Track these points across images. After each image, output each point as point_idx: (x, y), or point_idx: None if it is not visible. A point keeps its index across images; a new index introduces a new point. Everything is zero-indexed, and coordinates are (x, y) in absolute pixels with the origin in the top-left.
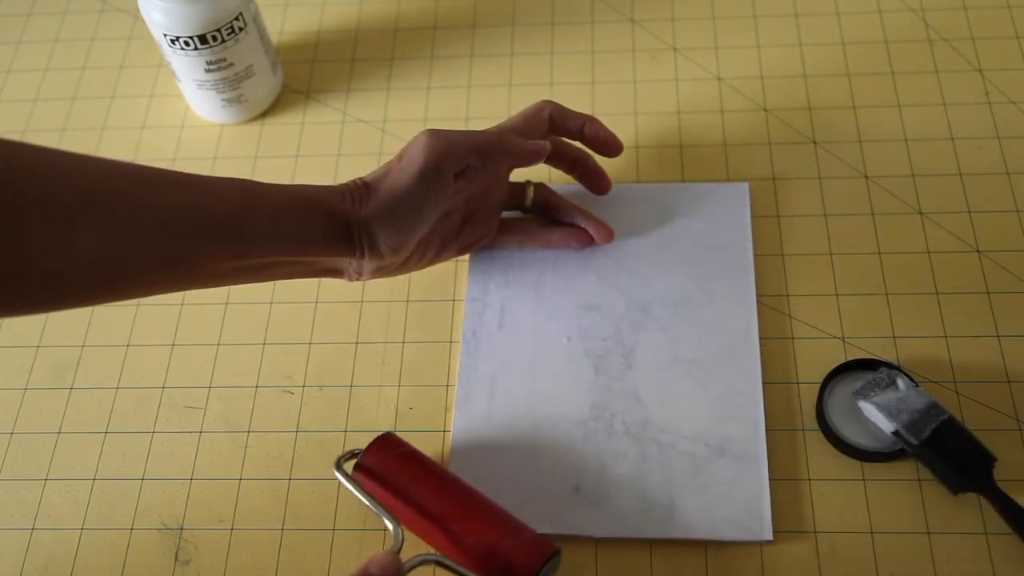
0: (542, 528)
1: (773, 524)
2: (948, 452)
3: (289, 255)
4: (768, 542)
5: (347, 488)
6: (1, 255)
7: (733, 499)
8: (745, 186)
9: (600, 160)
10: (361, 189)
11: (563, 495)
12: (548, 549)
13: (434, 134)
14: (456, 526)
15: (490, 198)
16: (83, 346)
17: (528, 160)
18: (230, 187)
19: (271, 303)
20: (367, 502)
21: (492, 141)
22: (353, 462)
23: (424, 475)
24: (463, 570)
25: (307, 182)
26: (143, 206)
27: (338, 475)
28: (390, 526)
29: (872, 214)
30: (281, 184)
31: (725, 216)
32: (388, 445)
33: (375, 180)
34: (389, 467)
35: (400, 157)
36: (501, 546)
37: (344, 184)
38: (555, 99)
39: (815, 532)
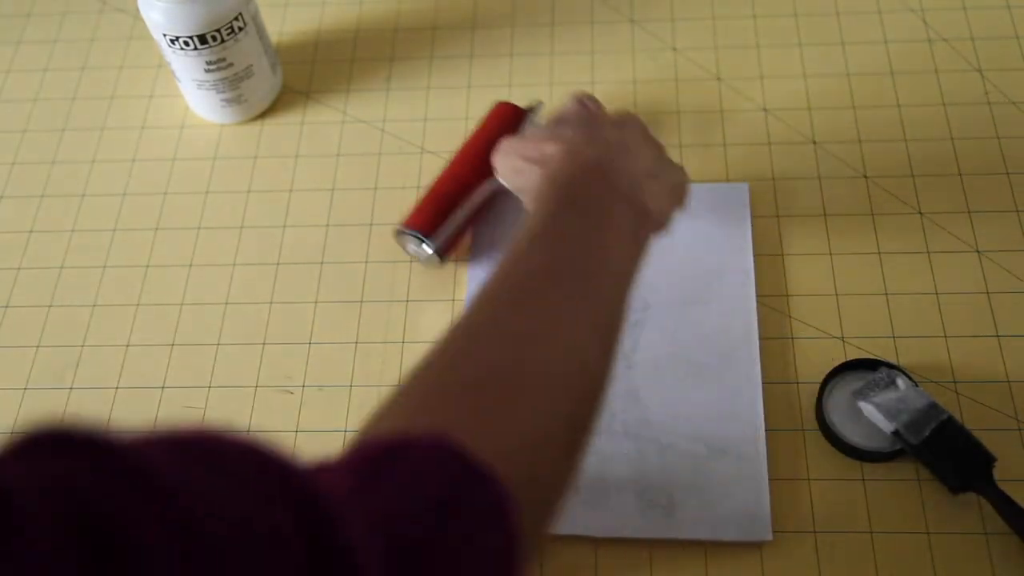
0: None
1: (773, 524)
2: (948, 452)
3: None
4: (768, 542)
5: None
6: None
7: (733, 499)
8: (745, 186)
9: None
10: None
11: None
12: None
13: None
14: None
15: None
16: (83, 346)
17: None
18: None
19: (271, 303)
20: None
21: None
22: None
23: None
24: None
25: (305, 184)
26: None
27: (430, 251)
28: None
29: (872, 214)
30: None
31: (725, 216)
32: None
33: None
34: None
35: None
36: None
37: None
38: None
39: (815, 532)
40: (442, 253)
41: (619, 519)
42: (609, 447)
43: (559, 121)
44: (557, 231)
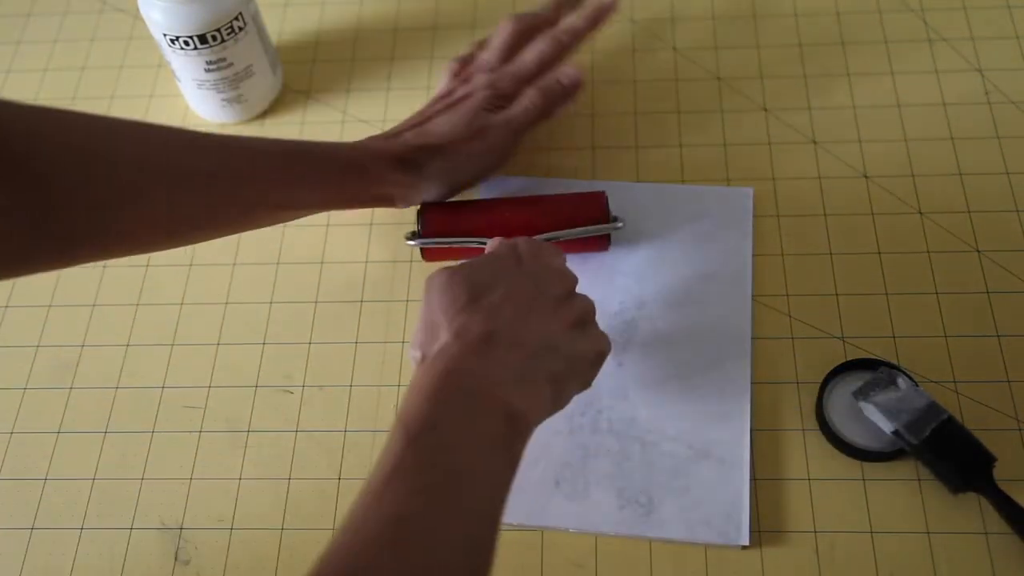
0: (519, 519)
1: (775, 524)
2: (948, 452)
3: (336, 208)
4: (745, 547)
5: (431, 245)
6: (80, 211)
7: (712, 502)
8: (749, 191)
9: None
10: (415, 155)
11: (543, 488)
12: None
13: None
14: (534, 219)
15: None
16: (83, 346)
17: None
18: (273, 153)
19: (271, 303)
20: (455, 243)
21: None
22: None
23: (479, 207)
24: (564, 232)
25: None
26: (190, 173)
27: (412, 243)
28: (488, 242)
29: (872, 214)
30: (328, 147)
31: (727, 220)
32: (435, 211)
33: (431, 149)
34: (447, 221)
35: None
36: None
37: (393, 150)
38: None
39: (815, 532)
40: (424, 254)
41: (597, 515)
42: (594, 443)
43: (475, 268)
44: (416, 470)
